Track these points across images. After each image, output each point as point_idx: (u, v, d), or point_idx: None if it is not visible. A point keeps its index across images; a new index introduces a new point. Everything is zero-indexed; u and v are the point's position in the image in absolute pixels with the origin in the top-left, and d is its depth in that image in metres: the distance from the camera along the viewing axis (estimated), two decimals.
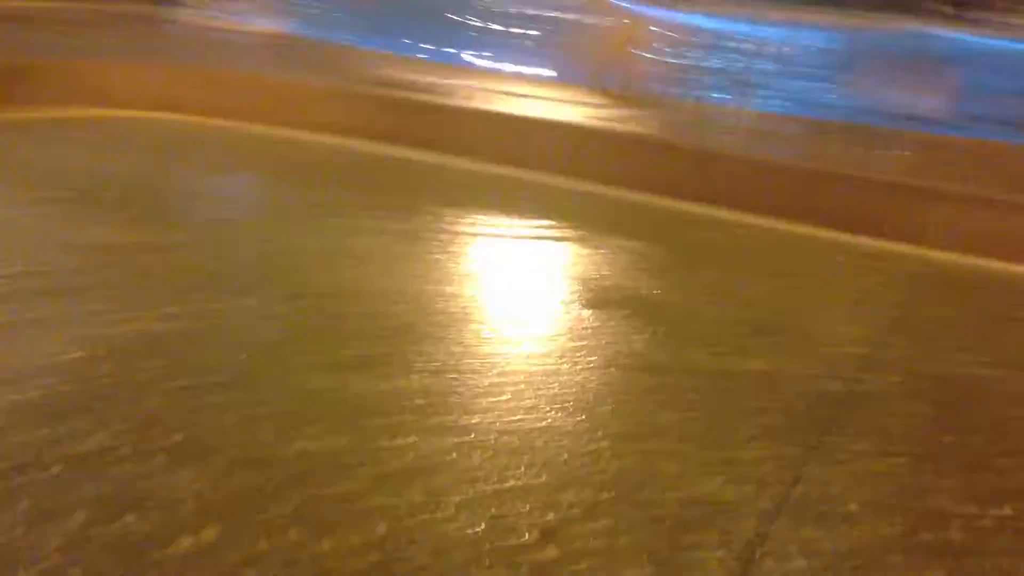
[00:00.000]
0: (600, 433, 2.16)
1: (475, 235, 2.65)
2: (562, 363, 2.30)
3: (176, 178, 2.86)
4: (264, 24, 5.16)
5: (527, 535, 1.79)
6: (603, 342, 2.39)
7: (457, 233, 2.63)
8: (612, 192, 3.23)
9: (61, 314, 1.91)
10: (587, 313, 2.37)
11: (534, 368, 2.28)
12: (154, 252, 2.22)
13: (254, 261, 2.28)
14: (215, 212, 2.61)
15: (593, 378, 2.28)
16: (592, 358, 2.33)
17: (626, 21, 4.94)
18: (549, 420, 2.19)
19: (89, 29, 4.45)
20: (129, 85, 3.40)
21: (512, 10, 6.63)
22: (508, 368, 2.26)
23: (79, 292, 1.99)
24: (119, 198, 2.56)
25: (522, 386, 2.20)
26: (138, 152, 3.04)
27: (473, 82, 3.97)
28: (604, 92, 4.28)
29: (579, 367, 2.30)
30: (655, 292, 2.46)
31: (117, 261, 2.15)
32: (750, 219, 3.14)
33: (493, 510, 1.85)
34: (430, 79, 3.89)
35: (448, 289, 2.28)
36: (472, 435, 2.03)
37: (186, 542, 1.50)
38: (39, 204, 2.39)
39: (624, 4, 5.24)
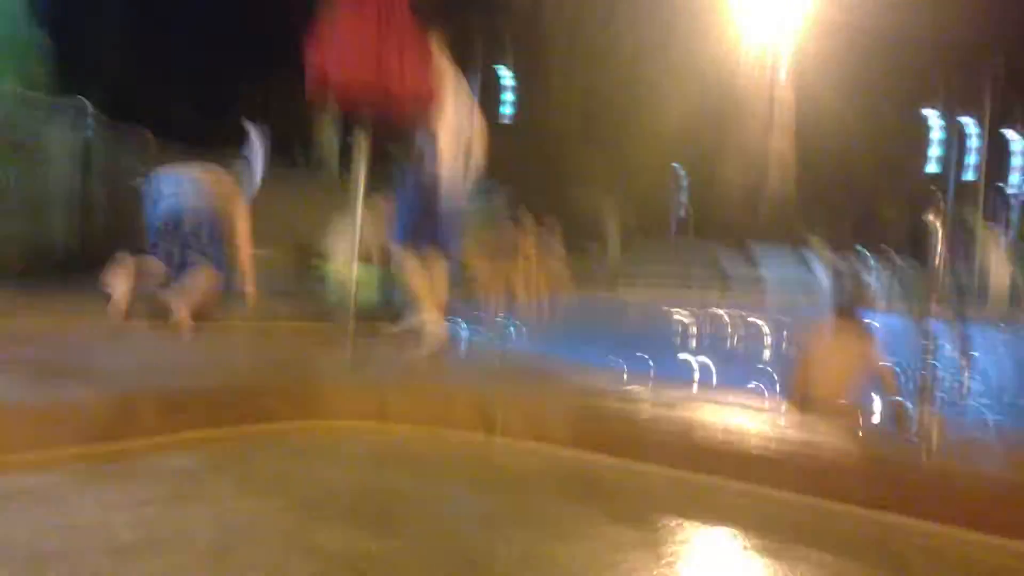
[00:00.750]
0: None
1: (675, 540, 2.68)
2: None
3: (388, 485, 3.09)
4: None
5: None
6: None
7: (657, 540, 2.66)
8: (798, 499, 3.22)
9: None
10: None
11: None
12: (373, 558, 2.36)
13: (465, 564, 2.38)
14: (425, 518, 2.75)
15: None
16: None
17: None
18: None
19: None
20: (339, 399, 3.86)
21: None
22: None
23: None
24: (344, 507, 2.80)
25: None
26: (351, 460, 3.37)
27: (674, 393, 4.14)
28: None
29: None
30: None
31: (340, 568, 2.29)
32: (937, 529, 2.99)
33: None
34: (634, 391, 4.12)
35: None
36: None
37: None
38: (277, 512, 2.67)
39: None
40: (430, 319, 5.51)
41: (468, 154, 5.43)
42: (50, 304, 5.18)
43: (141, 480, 2.85)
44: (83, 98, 7.25)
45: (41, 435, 3.03)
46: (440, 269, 5.61)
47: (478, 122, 5.44)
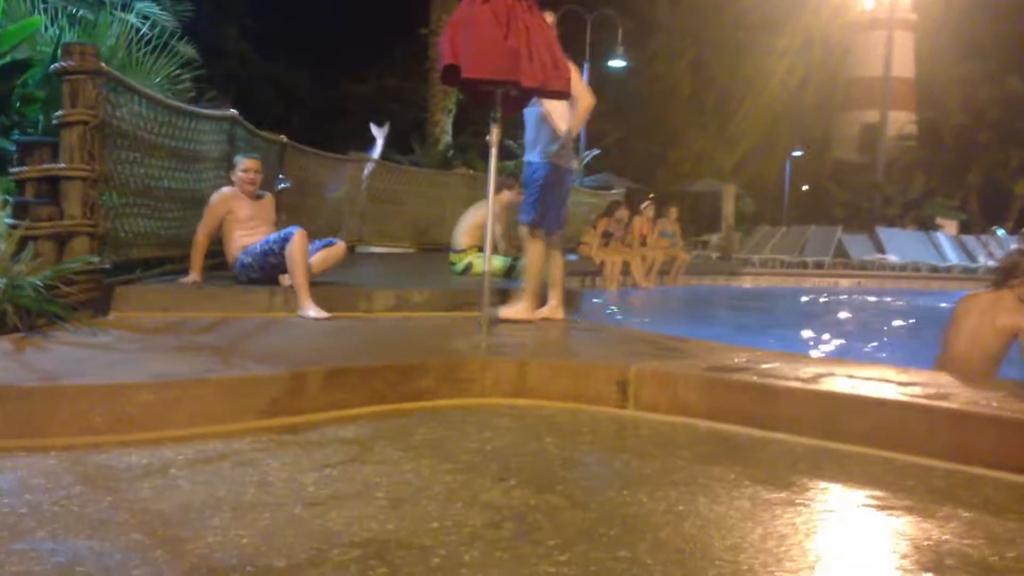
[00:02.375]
0: None
1: (808, 502, 2.75)
2: None
3: (538, 451, 3.29)
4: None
5: None
6: None
7: (804, 500, 2.75)
8: (936, 464, 3.29)
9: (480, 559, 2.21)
10: None
11: None
12: (537, 510, 2.57)
13: (618, 517, 2.54)
14: (577, 478, 2.98)
15: None
16: None
17: None
18: None
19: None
20: (483, 379, 4.14)
21: None
22: None
23: (490, 543, 2.32)
24: (500, 470, 2.98)
25: None
26: (501, 431, 3.55)
27: (809, 368, 4.22)
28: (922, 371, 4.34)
29: None
30: (995, 559, 2.44)
31: (508, 517, 2.50)
32: None
33: None
34: (769, 365, 4.19)
35: (780, 549, 2.41)
36: None
37: None
38: (441, 474, 2.90)
39: None
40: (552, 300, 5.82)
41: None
42: (212, 295, 5.62)
43: (319, 447, 3.15)
44: (232, 108, 7.75)
45: (228, 408, 3.37)
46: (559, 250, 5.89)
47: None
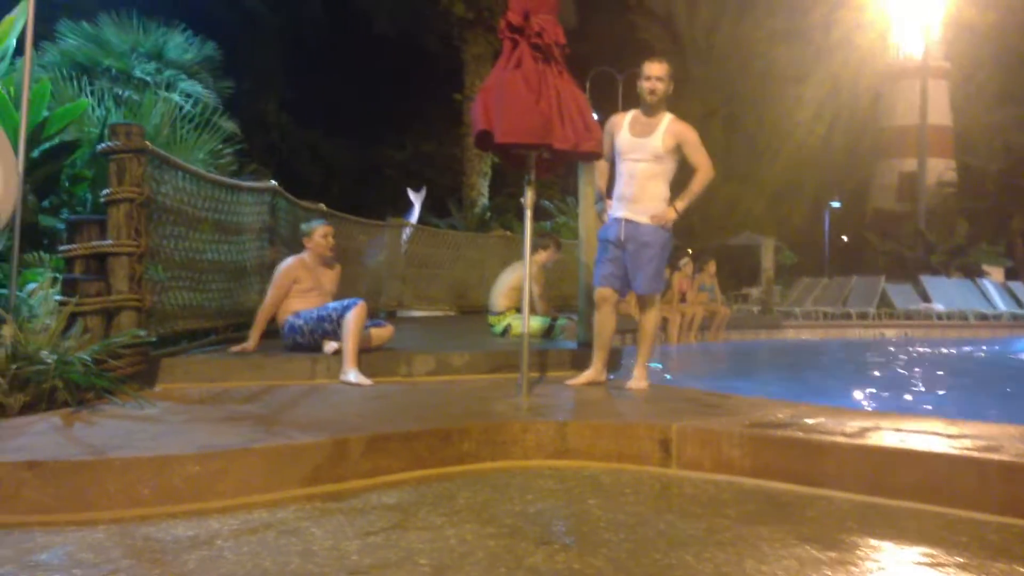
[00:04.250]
0: None
1: (858, 561, 2.71)
2: None
3: (581, 514, 3.28)
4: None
5: None
6: None
7: (854, 560, 2.70)
8: (988, 519, 3.26)
9: None
10: None
11: None
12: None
13: None
14: (621, 540, 2.90)
15: None
16: None
17: None
18: None
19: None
20: (525, 441, 4.15)
21: None
22: None
23: None
24: (543, 533, 2.99)
25: None
26: (544, 493, 3.55)
27: (855, 422, 4.23)
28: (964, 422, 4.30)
29: None
30: None
31: None
32: None
33: None
34: (814, 420, 4.18)
35: None
36: None
37: None
38: (484, 538, 2.90)
39: None
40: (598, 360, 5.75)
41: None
42: (255, 364, 5.69)
43: (362, 514, 3.15)
44: (273, 180, 7.94)
45: (272, 477, 3.40)
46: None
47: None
